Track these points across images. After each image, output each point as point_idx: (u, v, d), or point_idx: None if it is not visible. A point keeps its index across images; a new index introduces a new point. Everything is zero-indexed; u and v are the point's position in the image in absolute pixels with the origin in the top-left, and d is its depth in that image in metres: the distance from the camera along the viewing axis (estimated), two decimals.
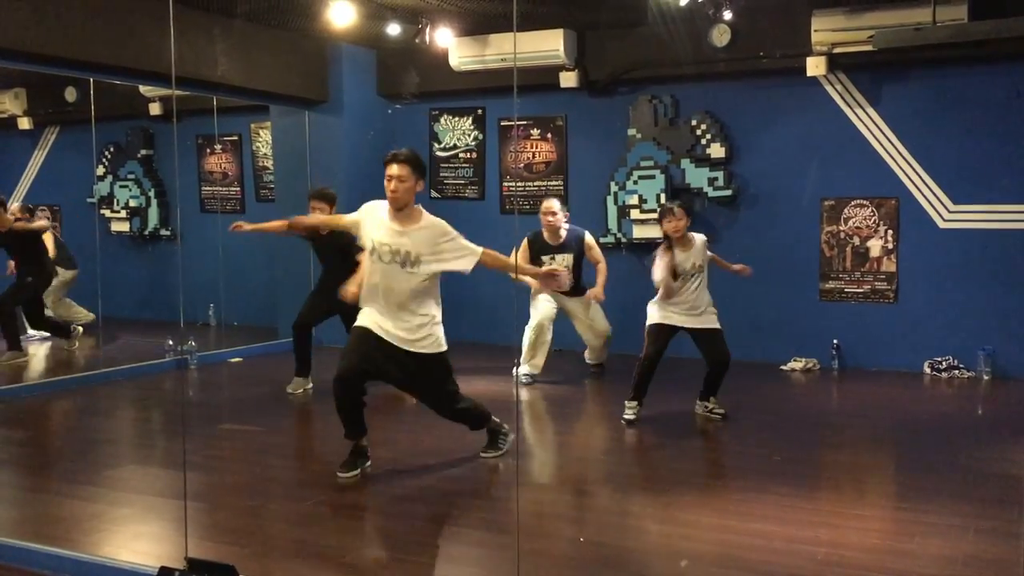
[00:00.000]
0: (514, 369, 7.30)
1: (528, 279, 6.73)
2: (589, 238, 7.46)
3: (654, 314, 6.11)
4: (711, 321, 6.09)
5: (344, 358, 4.81)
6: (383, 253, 4.77)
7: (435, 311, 4.90)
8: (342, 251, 6.71)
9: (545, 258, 7.25)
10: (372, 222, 4.87)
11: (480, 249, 4.90)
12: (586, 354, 7.85)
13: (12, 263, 8.70)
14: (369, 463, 5.05)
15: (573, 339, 7.94)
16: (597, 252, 7.46)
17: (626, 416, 6.09)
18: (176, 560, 3.49)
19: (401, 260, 4.74)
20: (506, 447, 5.31)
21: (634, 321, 7.91)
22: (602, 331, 7.56)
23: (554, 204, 7.33)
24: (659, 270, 5.98)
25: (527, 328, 7.38)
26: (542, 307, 7.37)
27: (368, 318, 4.85)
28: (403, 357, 4.83)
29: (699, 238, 6.12)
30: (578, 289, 7.22)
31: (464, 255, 4.85)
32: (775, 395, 7.11)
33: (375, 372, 4.84)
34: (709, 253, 6.20)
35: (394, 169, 4.77)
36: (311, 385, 7.20)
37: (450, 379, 5.05)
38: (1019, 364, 7.34)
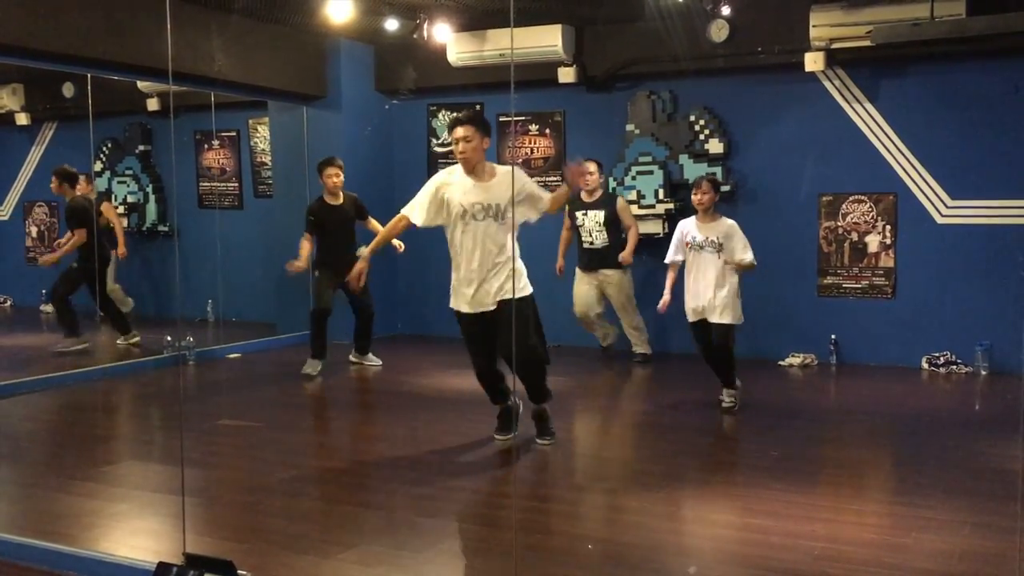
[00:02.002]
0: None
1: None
2: (622, 201, 7.90)
3: (686, 308, 6.26)
4: (721, 315, 6.10)
5: (474, 358, 5.20)
6: (476, 212, 4.90)
7: (519, 263, 5.07)
8: (347, 224, 7.55)
9: (578, 214, 7.75)
10: (452, 189, 4.99)
11: (548, 196, 5.16)
12: (634, 348, 8.11)
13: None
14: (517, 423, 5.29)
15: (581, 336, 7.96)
16: (629, 215, 7.85)
17: (725, 403, 6.23)
18: (174, 556, 3.50)
19: (493, 214, 4.92)
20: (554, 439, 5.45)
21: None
22: (627, 316, 7.95)
23: (591, 165, 7.76)
24: (670, 252, 6.28)
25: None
26: (581, 296, 7.84)
27: (462, 300, 5.07)
28: (495, 317, 5.03)
29: (728, 221, 6.20)
30: (611, 260, 7.72)
31: (539, 199, 5.11)
32: (773, 391, 7.11)
33: (496, 357, 5.17)
34: (740, 255, 6.11)
35: (459, 131, 4.96)
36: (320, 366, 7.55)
37: (533, 324, 5.15)
38: (1016, 359, 7.33)
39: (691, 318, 6.20)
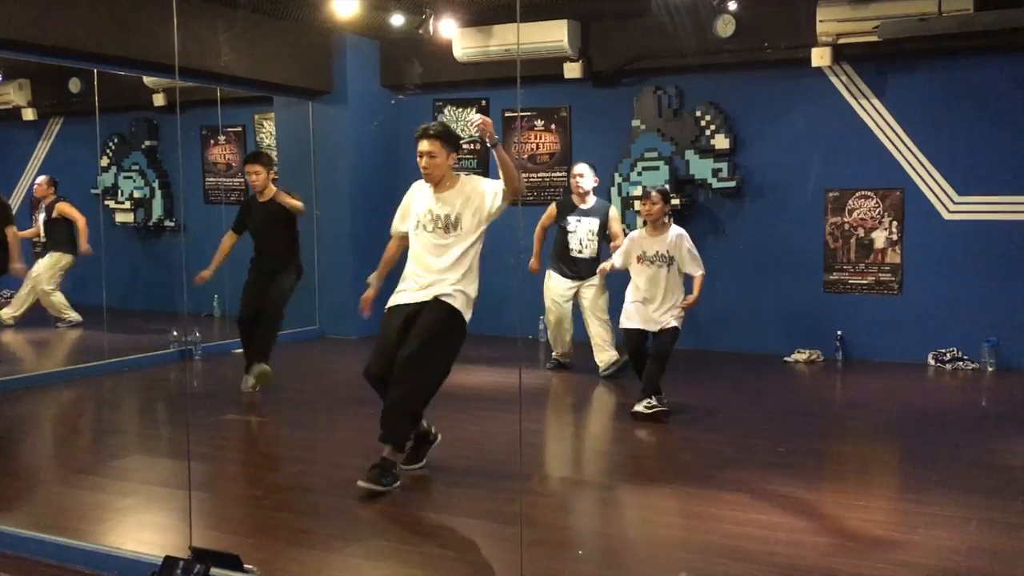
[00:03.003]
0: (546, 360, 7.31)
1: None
2: (614, 211, 7.60)
3: (624, 313, 6.17)
4: (668, 322, 6.01)
5: (373, 352, 4.69)
6: (426, 222, 4.69)
7: (470, 285, 4.67)
8: (269, 226, 6.80)
9: (571, 219, 7.39)
10: (418, 198, 4.80)
11: (499, 182, 4.67)
12: (596, 356, 7.40)
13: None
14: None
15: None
16: (618, 225, 7.51)
17: (647, 407, 6.00)
18: (181, 550, 3.51)
19: (443, 225, 4.65)
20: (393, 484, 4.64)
21: None
22: (596, 320, 7.35)
23: (581, 167, 7.45)
24: (618, 256, 6.31)
25: (546, 319, 7.71)
26: (555, 295, 7.46)
27: (395, 298, 4.70)
28: (417, 315, 4.58)
29: (675, 231, 6.13)
30: (594, 268, 7.15)
31: (490, 191, 4.69)
32: (779, 387, 7.10)
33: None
34: (691, 269, 6.10)
35: (424, 145, 4.69)
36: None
37: (441, 346, 4.61)
38: (1023, 356, 7.33)
39: (625, 324, 6.14)
